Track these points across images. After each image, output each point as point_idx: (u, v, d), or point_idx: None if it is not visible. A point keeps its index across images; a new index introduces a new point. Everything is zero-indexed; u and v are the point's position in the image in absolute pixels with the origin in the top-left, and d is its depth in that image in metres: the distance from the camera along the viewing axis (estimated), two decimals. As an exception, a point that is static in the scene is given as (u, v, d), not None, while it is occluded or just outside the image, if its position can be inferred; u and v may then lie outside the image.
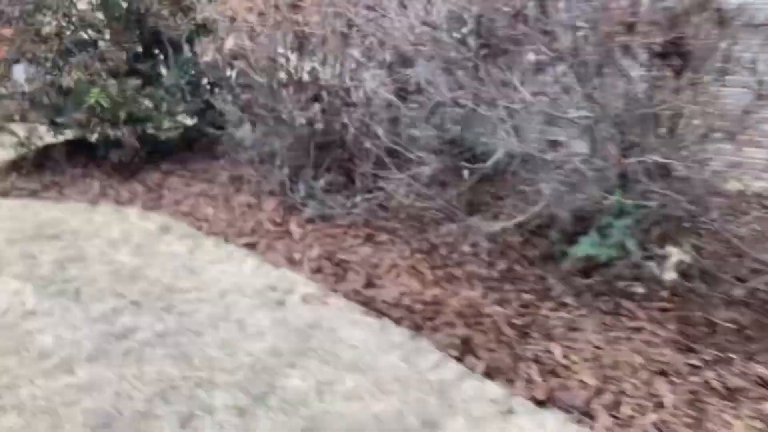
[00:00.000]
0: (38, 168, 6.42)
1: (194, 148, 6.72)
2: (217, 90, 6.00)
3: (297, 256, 4.48)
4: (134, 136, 5.90)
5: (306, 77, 4.81)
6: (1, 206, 5.62)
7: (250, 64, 4.89)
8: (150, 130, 6.05)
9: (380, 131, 4.22)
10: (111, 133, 5.84)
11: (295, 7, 4.54)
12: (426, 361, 3.40)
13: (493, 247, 4.36)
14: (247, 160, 5.95)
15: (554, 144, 4.15)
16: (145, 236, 4.95)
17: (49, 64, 5.64)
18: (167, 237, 4.95)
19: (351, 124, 4.65)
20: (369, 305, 3.92)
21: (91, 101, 5.62)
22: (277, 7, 4.49)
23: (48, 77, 5.82)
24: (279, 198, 5.24)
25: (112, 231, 5.05)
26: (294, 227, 4.83)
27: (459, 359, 3.45)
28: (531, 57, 3.74)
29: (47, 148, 6.54)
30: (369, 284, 4.08)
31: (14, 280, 4.21)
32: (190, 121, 6.55)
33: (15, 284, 4.15)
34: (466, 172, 4.48)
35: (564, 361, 3.36)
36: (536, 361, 3.39)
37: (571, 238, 4.16)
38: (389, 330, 3.69)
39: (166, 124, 6.02)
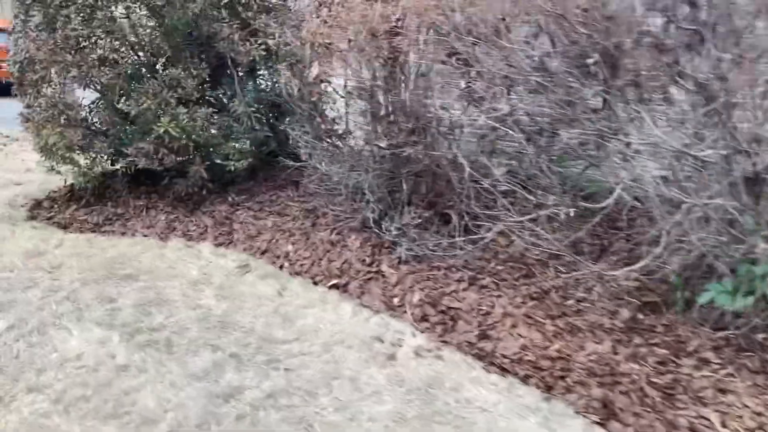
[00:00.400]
0: (98, 199, 6.15)
1: (257, 178, 6.42)
2: (289, 119, 5.70)
3: (396, 300, 4.16)
4: (203, 166, 5.60)
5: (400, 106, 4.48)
6: (64, 241, 5.33)
7: (338, 92, 4.58)
8: (217, 160, 5.74)
9: (496, 169, 3.89)
10: (177, 163, 5.52)
11: (391, 33, 4.23)
12: (568, 429, 3.05)
13: (607, 292, 4.02)
14: (324, 193, 5.66)
15: (676, 183, 3.83)
16: (226, 276, 4.65)
17: (113, 92, 5.34)
18: (249, 277, 4.64)
19: (448, 158, 4.32)
20: (488, 360, 3.59)
21: (160, 131, 5.32)
22: (373, 34, 4.19)
23: (112, 105, 5.54)
24: (365, 235, 4.92)
25: (189, 269, 4.75)
26: (386, 268, 4.51)
27: (602, 425, 3.11)
28: (671, 91, 3.41)
29: (107, 178, 6.26)
30: (483, 335, 3.75)
31: (97, 327, 3.90)
32: (252, 150, 6.23)
33: (99, 332, 3.85)
34: (570, 212, 4.15)
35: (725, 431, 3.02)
36: (693, 429, 3.04)
37: (694, 283, 3.83)
38: (517, 390, 3.36)
39: (235, 153, 5.71)
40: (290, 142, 6.70)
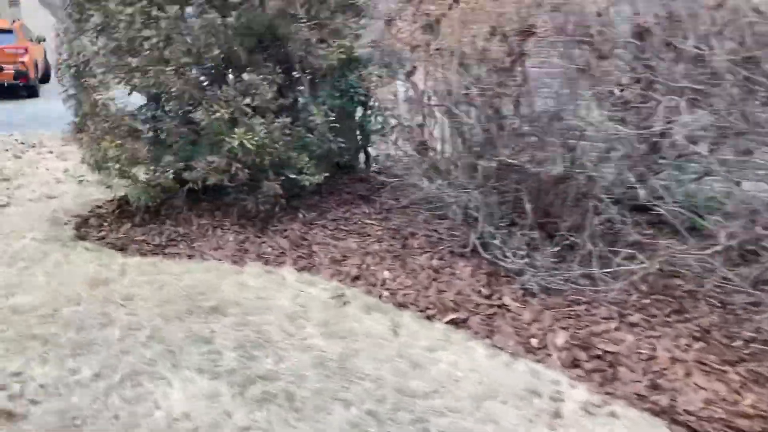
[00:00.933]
0: (154, 216, 5.57)
1: (322, 192, 5.88)
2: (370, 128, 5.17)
3: (535, 341, 3.64)
4: (277, 182, 5.05)
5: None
6: (127, 266, 4.77)
7: (448, 102, 4.05)
8: (291, 174, 5.19)
9: (642, 189, 3.37)
10: (247, 177, 4.97)
11: (524, 33, 3.70)
12: None
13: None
14: (406, 211, 5.14)
15: None
16: (323, 309, 4.11)
17: (181, 100, 4.78)
18: (350, 310, 4.11)
19: (582, 175, 3.80)
20: (668, 416, 3.07)
21: (234, 143, 4.76)
22: (504, 36, 3.66)
23: (180, 114, 4.98)
24: (474, 261, 4.40)
25: (279, 301, 4.21)
26: (510, 301, 3.99)
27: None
28: None
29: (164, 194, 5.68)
30: (654, 386, 3.24)
31: (200, 376, 3.35)
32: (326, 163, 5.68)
33: (205, 384, 3.30)
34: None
35: None
36: None
37: None
38: (720, 457, 2.84)
39: (309, 167, 5.16)
40: (368, 154, 6.18)
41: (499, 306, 3.99)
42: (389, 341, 3.72)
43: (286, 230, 5.32)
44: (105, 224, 5.68)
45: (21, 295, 4.34)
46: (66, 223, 5.84)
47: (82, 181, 7.43)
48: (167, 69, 4.68)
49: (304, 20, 4.98)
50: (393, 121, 4.77)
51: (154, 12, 4.68)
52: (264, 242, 5.13)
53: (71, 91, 5.33)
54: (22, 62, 15.53)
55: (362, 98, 5.73)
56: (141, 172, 5.09)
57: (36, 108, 14.57)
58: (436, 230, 5.05)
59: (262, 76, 4.88)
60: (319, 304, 4.19)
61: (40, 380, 3.36)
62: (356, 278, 4.53)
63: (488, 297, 4.09)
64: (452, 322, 3.92)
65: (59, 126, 11.75)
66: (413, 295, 4.23)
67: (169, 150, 5.02)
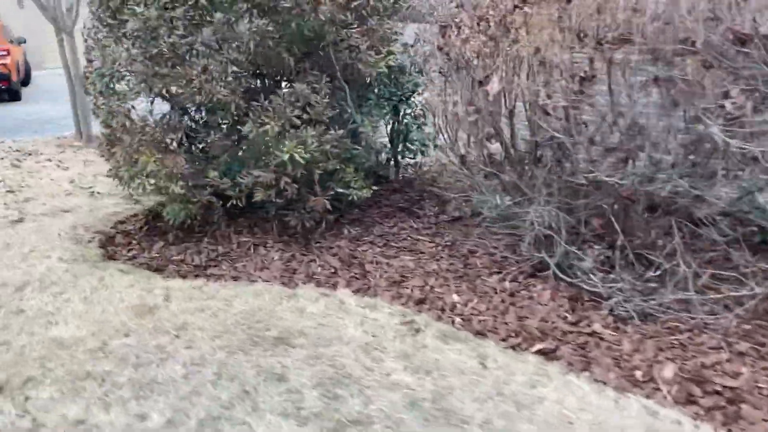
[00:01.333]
0: (188, 233, 5.21)
1: (362, 205, 5.57)
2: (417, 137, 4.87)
3: (639, 374, 3.37)
4: (326, 196, 4.73)
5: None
6: (170, 290, 4.42)
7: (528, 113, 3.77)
8: (338, 189, 4.87)
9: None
10: (293, 193, 4.65)
11: (618, 42, 3.43)
12: None
13: None
14: (458, 226, 4.86)
15: None
16: (396, 338, 3.81)
17: (227, 110, 4.43)
18: (426, 339, 3.81)
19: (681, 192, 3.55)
20: (808, 460, 2.81)
21: (284, 157, 4.43)
22: (598, 42, 3.38)
23: (220, 126, 4.63)
24: (551, 283, 4.12)
25: (345, 329, 3.90)
26: (602, 329, 3.73)
27: None
28: None
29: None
30: (787, 426, 2.97)
31: (286, 422, 3.04)
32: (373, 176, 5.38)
33: (292, 430, 2.96)
34: None
35: None
36: None
37: None
38: None
39: (357, 180, 4.85)
40: (398, 164, 5.90)
41: (589, 334, 3.72)
42: (481, 376, 3.42)
43: (332, 247, 5.01)
44: (134, 242, 5.31)
45: (62, 325, 3.97)
46: (90, 241, 5.45)
47: (93, 192, 7.07)
48: (213, 78, 4.31)
49: (355, 26, 4.65)
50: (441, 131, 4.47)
51: (198, 16, 4.30)
52: (312, 261, 4.81)
53: (100, 101, 4.93)
54: (4, 64, 14.98)
55: (405, 107, 5.43)
56: (177, 187, 4.71)
57: (21, 112, 14.07)
58: (496, 247, 4.78)
59: (310, 86, 4.54)
60: (389, 332, 3.88)
61: (107, 429, 3.01)
62: (421, 302, 4.23)
63: (575, 324, 3.81)
64: (541, 352, 3.64)
65: (50, 131, 11.38)
66: (490, 321, 3.94)
67: (210, 164, 4.65)
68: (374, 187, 4.98)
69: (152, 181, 4.64)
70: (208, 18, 4.32)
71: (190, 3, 4.28)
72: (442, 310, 4.13)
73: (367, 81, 4.85)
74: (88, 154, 9.19)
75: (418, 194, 6.08)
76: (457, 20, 4.54)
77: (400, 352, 3.65)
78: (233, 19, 4.34)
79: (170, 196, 4.69)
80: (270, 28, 4.33)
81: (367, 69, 4.74)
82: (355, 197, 4.89)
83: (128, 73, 4.50)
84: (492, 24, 4.01)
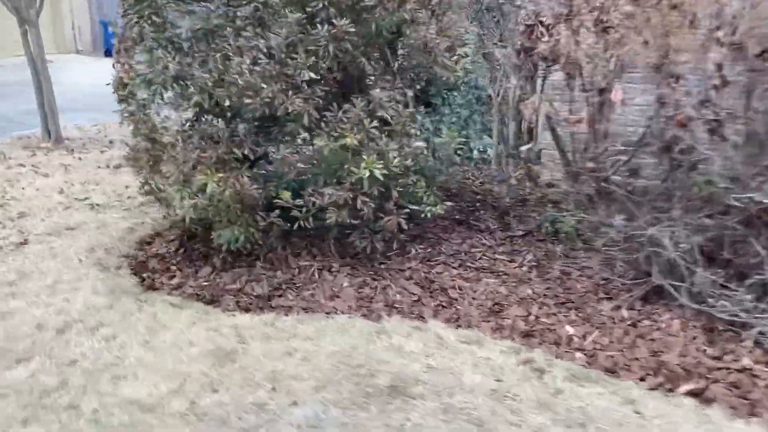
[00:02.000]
0: (237, 257, 4.66)
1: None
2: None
3: (817, 420, 3.04)
4: (401, 216, 4.28)
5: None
6: (242, 330, 3.91)
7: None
8: (412, 206, 4.42)
9: None
10: (369, 213, 4.18)
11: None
12: None
13: None
14: (535, 243, 4.49)
15: None
16: (523, 381, 3.42)
17: (299, 122, 3.92)
18: (557, 382, 3.44)
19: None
20: None
21: (363, 174, 3.95)
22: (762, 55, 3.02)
23: (284, 139, 4.12)
24: (677, 311, 3.78)
25: (465, 374, 3.50)
26: (752, 363, 3.40)
27: None
28: None
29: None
30: None
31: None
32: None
33: None
34: None
35: None
36: None
37: None
38: None
39: (431, 196, 4.41)
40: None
41: (739, 370, 3.39)
42: (645, 428, 3.04)
43: (403, 269, 4.56)
44: (173, 268, 4.74)
45: (132, 380, 3.42)
46: (118, 267, 4.85)
47: (93, 205, 6.42)
48: (287, 86, 3.79)
49: (434, 26, 4.19)
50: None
51: (269, 15, 3.76)
52: (387, 287, 4.35)
53: (132, 108, 4.33)
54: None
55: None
56: (239, 208, 4.17)
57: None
58: (589, 268, 4.41)
59: (388, 93, 4.06)
60: (511, 374, 3.48)
61: None
62: (529, 335, 3.83)
63: (719, 358, 3.48)
64: (691, 393, 3.29)
65: (8, 131, 10.42)
66: (619, 357, 3.57)
67: (271, 182, 4.13)
68: (447, 203, 4.52)
69: (206, 201, 4.06)
70: (279, 18, 3.77)
71: (259, 0, 3.72)
72: (557, 344, 3.74)
73: (442, 87, 4.38)
74: (63, 157, 8.46)
75: (469, 204, 5.66)
76: (544, 17, 4.12)
77: (537, 401, 3.25)
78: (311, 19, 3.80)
79: (229, 217, 4.12)
80: (351, 29, 3.82)
81: (444, 73, 4.28)
82: (429, 214, 4.43)
83: (180, 81, 3.91)
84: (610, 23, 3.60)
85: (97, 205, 6.50)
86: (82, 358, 3.61)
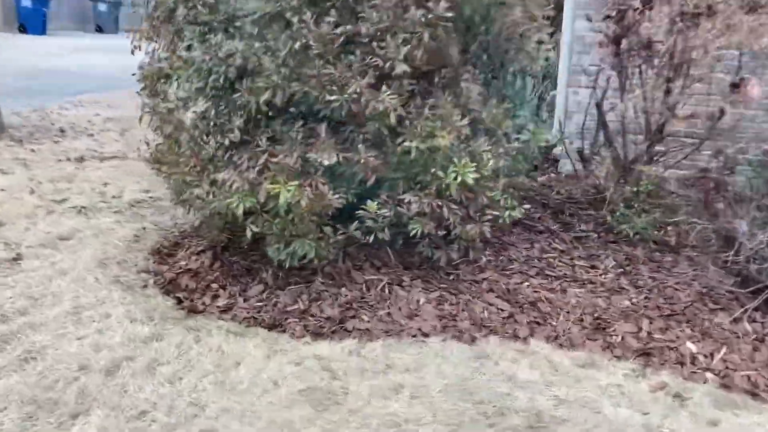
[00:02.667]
0: (288, 271, 4.12)
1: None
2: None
3: None
4: (485, 224, 3.86)
5: None
6: (326, 362, 3.40)
7: None
8: (494, 211, 4.00)
9: None
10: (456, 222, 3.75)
11: None
12: None
13: None
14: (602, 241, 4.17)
15: None
16: (671, 414, 3.11)
17: (380, 121, 3.43)
18: (704, 412, 3.12)
19: None
20: None
21: (450, 178, 3.51)
22: None
23: (362, 139, 3.61)
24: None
25: (604, 407, 3.13)
26: None
27: None
28: None
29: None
30: None
31: None
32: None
33: None
34: None
35: None
36: None
37: None
38: None
39: (508, 198, 4.01)
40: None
41: None
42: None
43: (479, 281, 4.16)
44: (214, 285, 4.17)
45: (224, 434, 2.87)
46: (144, 286, 4.24)
47: (79, 209, 5.71)
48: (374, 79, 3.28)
49: (520, 8, 3.75)
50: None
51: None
52: (469, 301, 3.93)
53: (170, 105, 3.72)
54: None
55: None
56: (315, 220, 3.65)
57: None
58: (683, 274, 4.11)
59: (478, 87, 3.61)
60: (652, 404, 3.14)
61: None
62: (645, 354, 3.51)
63: None
64: None
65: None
66: (758, 378, 3.27)
67: (341, 187, 3.62)
68: (526, 206, 4.12)
69: (299, 224, 3.52)
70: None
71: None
72: (681, 364, 3.42)
73: (525, 77, 3.96)
74: (12, 149, 7.64)
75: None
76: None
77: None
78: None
79: (298, 230, 3.59)
80: (449, 14, 3.33)
81: (528, 62, 3.85)
82: (507, 219, 4.01)
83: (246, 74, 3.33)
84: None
85: (83, 207, 5.79)
86: (152, 408, 3.03)
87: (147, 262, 4.59)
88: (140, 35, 3.89)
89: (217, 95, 3.46)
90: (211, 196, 3.66)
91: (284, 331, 3.69)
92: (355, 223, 3.65)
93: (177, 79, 3.57)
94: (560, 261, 4.35)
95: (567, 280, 4.16)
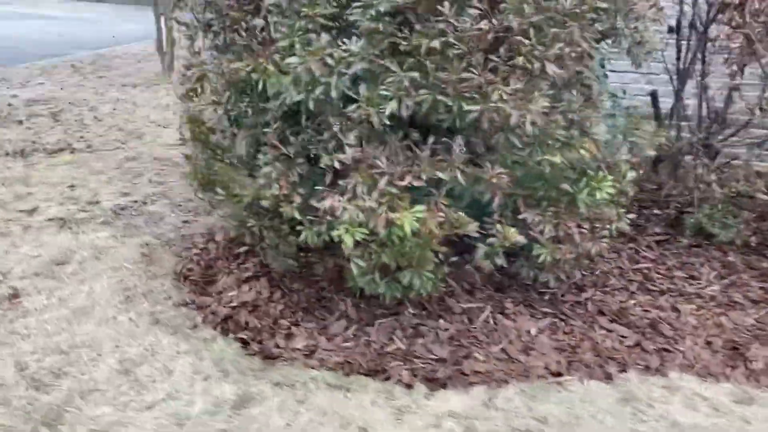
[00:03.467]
0: (368, 301, 3.59)
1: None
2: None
3: None
4: (600, 238, 3.46)
5: None
6: (468, 424, 2.90)
7: None
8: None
9: None
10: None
11: None
12: None
13: None
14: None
15: None
16: None
17: (510, 132, 2.93)
18: None
19: None
20: None
21: (585, 195, 3.08)
22: None
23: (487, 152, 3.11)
24: None
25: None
26: None
27: None
28: None
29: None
30: None
31: None
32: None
33: None
34: None
35: None
36: None
37: None
38: None
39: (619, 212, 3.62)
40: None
41: None
42: None
43: (581, 301, 3.75)
44: (282, 322, 3.56)
45: None
46: (194, 327, 3.58)
47: (63, 222, 4.90)
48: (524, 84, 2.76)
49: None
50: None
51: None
52: (584, 329, 3.51)
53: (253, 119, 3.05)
54: None
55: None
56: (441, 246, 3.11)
57: None
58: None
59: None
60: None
61: None
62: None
63: None
64: None
65: None
66: None
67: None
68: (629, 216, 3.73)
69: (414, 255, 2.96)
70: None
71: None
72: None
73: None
74: None
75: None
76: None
77: None
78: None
79: (412, 260, 3.05)
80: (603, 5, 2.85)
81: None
82: (613, 232, 3.62)
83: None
84: None
85: (61, 219, 4.97)
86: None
87: (179, 291, 3.91)
88: (189, 28, 3.16)
89: (318, 110, 2.83)
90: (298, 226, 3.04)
91: (388, 378, 3.16)
92: (482, 251, 3.11)
93: (251, 89, 2.90)
94: (656, 272, 4.00)
95: (672, 294, 3.82)
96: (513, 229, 2.99)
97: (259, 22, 2.86)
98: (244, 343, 3.40)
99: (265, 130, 2.95)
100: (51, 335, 3.42)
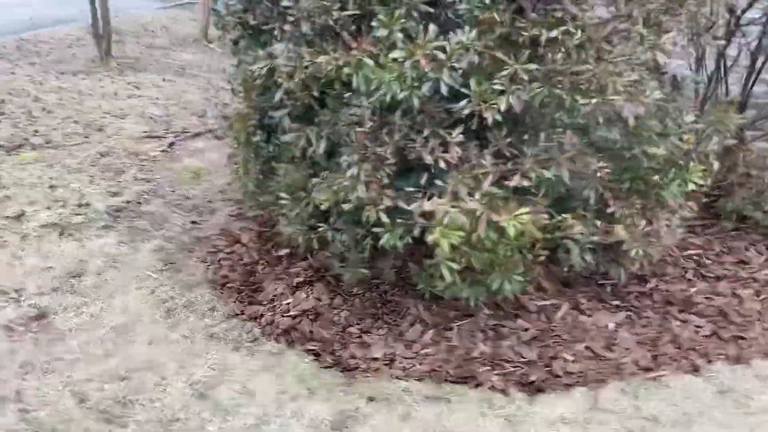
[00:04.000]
0: (438, 303, 3.45)
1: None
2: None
3: None
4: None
5: None
6: (572, 428, 2.83)
7: None
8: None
9: None
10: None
11: None
12: None
13: None
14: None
15: None
16: None
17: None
18: None
19: None
20: None
21: (675, 188, 3.05)
22: None
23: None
24: None
25: None
26: None
27: None
28: None
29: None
30: None
31: None
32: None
33: None
34: None
35: None
36: None
37: None
38: None
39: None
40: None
41: None
42: None
43: (646, 293, 3.74)
44: (352, 330, 3.38)
45: None
46: (254, 340, 3.37)
47: (59, 228, 4.53)
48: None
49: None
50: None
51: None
52: (656, 320, 3.50)
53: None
54: None
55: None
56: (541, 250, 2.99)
57: None
58: None
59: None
60: None
61: None
62: None
63: None
64: None
65: None
66: None
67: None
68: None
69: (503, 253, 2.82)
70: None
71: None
72: None
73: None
74: None
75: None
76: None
77: None
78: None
79: (502, 262, 2.92)
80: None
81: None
82: (678, 221, 3.59)
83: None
84: None
85: (57, 225, 4.58)
86: None
87: (223, 301, 3.65)
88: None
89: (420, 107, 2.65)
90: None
91: (479, 385, 3.03)
92: (576, 252, 3.00)
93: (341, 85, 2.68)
94: (707, 258, 4.01)
95: (730, 280, 3.83)
96: (620, 226, 2.88)
97: (351, 9, 2.63)
98: (316, 355, 3.19)
99: (358, 129, 2.73)
100: (101, 359, 3.13)
